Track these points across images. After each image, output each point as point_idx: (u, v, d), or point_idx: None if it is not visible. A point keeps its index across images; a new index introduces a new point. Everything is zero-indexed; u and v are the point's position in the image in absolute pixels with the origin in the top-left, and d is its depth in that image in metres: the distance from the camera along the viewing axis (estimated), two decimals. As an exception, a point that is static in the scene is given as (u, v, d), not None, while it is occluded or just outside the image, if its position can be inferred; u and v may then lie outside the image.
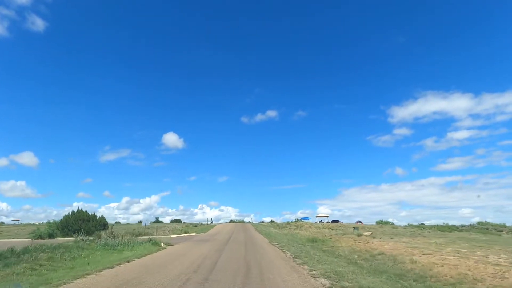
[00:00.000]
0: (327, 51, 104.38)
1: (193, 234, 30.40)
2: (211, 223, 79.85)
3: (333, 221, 75.37)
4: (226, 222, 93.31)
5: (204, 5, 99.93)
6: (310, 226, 43.54)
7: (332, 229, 37.87)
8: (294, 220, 72.73)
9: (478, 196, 78.83)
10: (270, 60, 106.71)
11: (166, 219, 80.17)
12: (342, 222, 75.82)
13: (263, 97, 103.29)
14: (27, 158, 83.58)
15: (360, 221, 75.26)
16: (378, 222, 64.72)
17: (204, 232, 32.16)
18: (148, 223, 30.12)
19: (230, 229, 36.38)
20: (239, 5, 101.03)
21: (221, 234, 28.32)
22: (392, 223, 62.73)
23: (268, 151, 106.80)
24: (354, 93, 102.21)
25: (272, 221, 64.56)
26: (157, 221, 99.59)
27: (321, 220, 78.07)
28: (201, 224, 50.18)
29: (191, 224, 46.56)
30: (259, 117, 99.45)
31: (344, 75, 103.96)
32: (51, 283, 6.99)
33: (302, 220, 77.60)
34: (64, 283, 7.10)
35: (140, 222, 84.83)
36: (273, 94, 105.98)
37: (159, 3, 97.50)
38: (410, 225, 52.36)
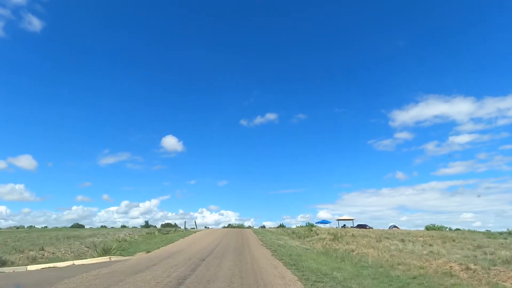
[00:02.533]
0: (327, 54, 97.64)
1: (118, 259, 12.15)
2: (206, 227, 62.95)
3: (359, 226, 56.58)
4: (224, 227, 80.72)
5: (202, 6, 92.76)
6: (353, 235, 24.92)
7: (404, 242, 19.44)
8: (306, 224, 54.25)
9: (479, 196, 74.55)
10: (269, 62, 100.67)
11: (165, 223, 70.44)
12: (371, 227, 57.02)
13: (262, 99, 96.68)
14: (26, 161, 77.34)
15: (395, 226, 56.28)
16: (429, 228, 45.88)
17: (147, 252, 13.68)
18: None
19: (212, 243, 17.85)
20: (238, 7, 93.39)
21: (168, 264, 9.85)
22: (449, 228, 43.96)
23: (268, 155, 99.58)
24: (354, 97, 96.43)
25: (281, 226, 45.57)
26: (147, 225, 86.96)
27: (344, 225, 59.09)
28: (176, 230, 31.42)
29: (158, 230, 27.78)
30: (259, 119, 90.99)
31: (344, 78, 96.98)
32: None
33: (318, 224, 58.76)
34: None
35: (122, 226, 69.64)
36: (272, 96, 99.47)
37: (157, 3, 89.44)
38: (488, 232, 33.83)
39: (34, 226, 61.64)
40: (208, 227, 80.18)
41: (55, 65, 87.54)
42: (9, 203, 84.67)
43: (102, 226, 71.50)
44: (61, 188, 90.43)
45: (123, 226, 67.99)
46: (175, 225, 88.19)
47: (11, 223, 70.05)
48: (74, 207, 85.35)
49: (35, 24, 79.36)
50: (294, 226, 45.78)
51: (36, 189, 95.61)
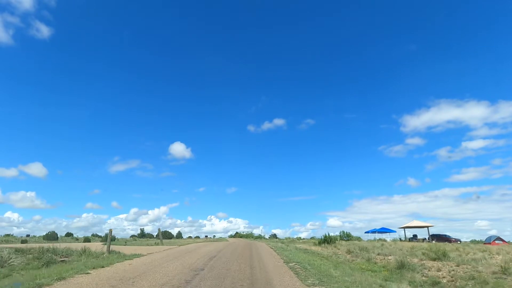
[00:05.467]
0: (336, 58, 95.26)
1: None
2: (210, 236, 45.17)
3: (437, 237, 36.50)
4: (231, 236, 67.93)
5: (210, 13, 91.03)
6: None
7: None
8: (340, 234, 35.21)
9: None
10: (277, 67, 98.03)
11: (174, 231, 70.28)
12: (458, 240, 36.91)
13: (270, 105, 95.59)
14: (36, 169, 78.93)
15: (500, 238, 35.81)
16: None
17: None
18: None
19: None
20: (245, 13, 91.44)
21: None
22: None
23: (276, 161, 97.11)
24: (364, 102, 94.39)
25: (327, 241, 25.74)
26: (142, 233, 74.22)
27: (416, 235, 39.07)
28: (85, 252, 12.69)
29: (39, 254, 9.74)
30: (266, 125, 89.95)
31: (354, 83, 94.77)
32: None
33: (369, 233, 39.19)
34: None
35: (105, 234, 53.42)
36: (280, 102, 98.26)
37: (166, 11, 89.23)
38: None
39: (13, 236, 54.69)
40: (210, 236, 62.05)
41: (64, 72, 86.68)
42: (21, 211, 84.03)
43: (92, 235, 60.59)
44: (71, 196, 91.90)
45: (110, 237, 50.68)
46: (179, 234, 71.85)
47: (23, 230, 70.74)
48: (84, 215, 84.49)
49: (43, 31, 78.04)
50: (303, 235, 27.24)
51: (46, 196, 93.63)
